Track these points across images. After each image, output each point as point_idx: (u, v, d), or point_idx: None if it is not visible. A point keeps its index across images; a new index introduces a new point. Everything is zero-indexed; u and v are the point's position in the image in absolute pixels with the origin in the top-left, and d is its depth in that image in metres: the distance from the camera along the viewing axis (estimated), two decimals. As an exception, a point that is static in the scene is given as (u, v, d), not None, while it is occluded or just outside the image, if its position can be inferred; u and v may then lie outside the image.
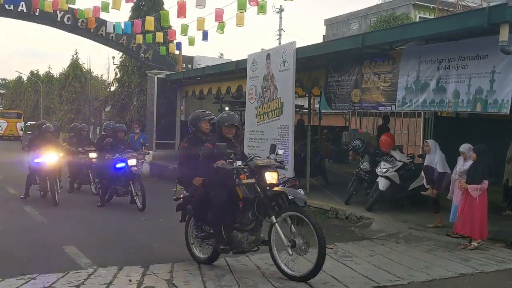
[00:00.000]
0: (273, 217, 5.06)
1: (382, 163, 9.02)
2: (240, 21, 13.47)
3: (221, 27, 14.58)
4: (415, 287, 4.96)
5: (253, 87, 11.08)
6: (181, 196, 5.94)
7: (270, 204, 5.17)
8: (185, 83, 16.75)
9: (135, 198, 9.58)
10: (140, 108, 21.30)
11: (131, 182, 9.66)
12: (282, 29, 39.12)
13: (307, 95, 13.25)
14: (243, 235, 5.27)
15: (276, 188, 5.23)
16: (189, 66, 25.59)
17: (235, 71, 12.53)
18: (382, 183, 8.80)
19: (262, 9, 12.86)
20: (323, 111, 13.79)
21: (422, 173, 8.19)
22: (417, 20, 24.87)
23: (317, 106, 15.18)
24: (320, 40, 29.42)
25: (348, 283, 4.97)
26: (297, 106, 14.34)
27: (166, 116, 17.19)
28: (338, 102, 9.67)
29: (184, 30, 15.79)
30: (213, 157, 5.28)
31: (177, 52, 19.31)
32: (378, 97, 8.59)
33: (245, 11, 13.18)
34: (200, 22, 14.73)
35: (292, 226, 5.04)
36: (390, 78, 8.34)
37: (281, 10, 38.58)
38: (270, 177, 5.26)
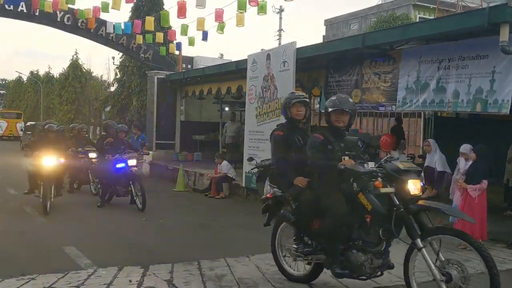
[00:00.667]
0: (419, 240, 3.97)
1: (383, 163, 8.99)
2: (240, 22, 13.45)
3: (221, 28, 14.57)
4: (415, 287, 4.93)
5: (253, 88, 11.08)
6: (269, 195, 5.11)
7: (414, 222, 4.07)
8: (185, 84, 16.75)
9: (135, 198, 9.56)
10: (140, 109, 21.30)
11: (131, 183, 9.64)
12: (282, 30, 39.12)
13: (307, 95, 13.23)
14: (366, 257, 4.17)
15: (421, 202, 4.08)
16: (189, 66, 25.62)
17: (235, 71, 12.53)
18: (382, 183, 8.76)
19: (262, 9, 12.85)
20: (324, 111, 13.76)
21: (422, 174, 8.18)
22: (417, 20, 24.88)
23: (317, 106, 15.16)
24: (320, 41, 29.44)
25: (349, 284, 4.95)
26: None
27: (166, 116, 17.18)
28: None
29: (184, 30, 15.78)
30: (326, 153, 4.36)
31: (177, 52, 19.31)
32: (379, 97, 8.59)
33: (245, 11, 13.17)
34: (200, 22, 14.72)
35: (439, 253, 4.00)
36: (391, 78, 8.34)
37: (281, 10, 38.58)
38: (414, 186, 4.08)
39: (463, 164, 7.05)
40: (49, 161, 8.90)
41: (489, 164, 6.54)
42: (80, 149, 11.45)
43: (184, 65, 21.91)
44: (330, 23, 35.56)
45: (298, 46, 9.69)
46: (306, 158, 4.55)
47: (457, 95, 7.11)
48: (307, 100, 4.92)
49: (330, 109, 4.46)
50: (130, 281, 5.04)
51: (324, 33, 36.08)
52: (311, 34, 79.73)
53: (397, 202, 4.05)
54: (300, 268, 4.95)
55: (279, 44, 31.91)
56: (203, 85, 15.29)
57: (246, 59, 11.41)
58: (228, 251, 6.38)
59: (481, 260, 3.77)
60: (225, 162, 11.97)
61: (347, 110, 4.46)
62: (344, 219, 4.21)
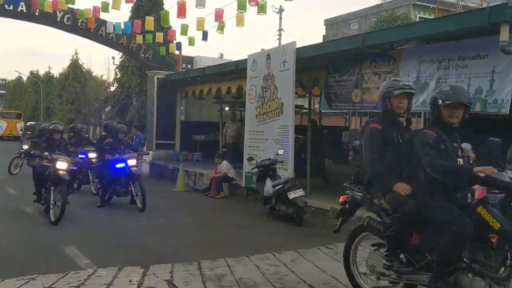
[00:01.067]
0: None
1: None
2: (240, 21, 13.46)
3: (221, 27, 14.58)
4: (415, 287, 4.93)
5: (253, 87, 11.08)
6: (344, 197, 4.52)
7: None
8: (185, 83, 16.75)
9: (135, 198, 9.55)
10: (140, 108, 21.32)
11: (131, 183, 9.64)
12: (282, 29, 39.12)
13: (307, 95, 13.22)
14: (485, 283, 3.51)
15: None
16: (189, 66, 25.58)
17: (235, 71, 12.53)
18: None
19: (262, 9, 12.85)
20: (324, 111, 13.78)
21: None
22: (417, 20, 24.87)
23: (317, 106, 15.17)
24: (320, 40, 29.42)
25: (348, 283, 4.94)
26: (297, 106, 14.33)
27: (166, 116, 17.19)
28: (338, 102, 9.66)
29: (184, 30, 15.79)
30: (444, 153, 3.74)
31: (177, 52, 19.31)
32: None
33: (245, 11, 13.19)
34: (200, 22, 14.73)
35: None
36: (390, 78, 8.31)
37: (281, 10, 38.58)
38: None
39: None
40: (62, 165, 8.22)
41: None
42: (79, 148, 11.44)
43: (184, 65, 21.89)
44: (330, 23, 35.57)
45: (298, 46, 9.69)
46: (406, 159, 3.95)
47: (456, 95, 7.09)
48: (413, 91, 4.23)
49: (445, 102, 3.76)
50: (130, 281, 5.05)
51: (324, 33, 36.09)
52: (311, 34, 79.77)
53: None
54: None
55: (279, 44, 31.90)
56: (203, 85, 15.29)
57: (246, 59, 11.41)
58: (228, 251, 6.38)
59: None
60: (225, 162, 11.97)
61: (465, 102, 3.79)
62: (467, 238, 3.55)
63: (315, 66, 10.36)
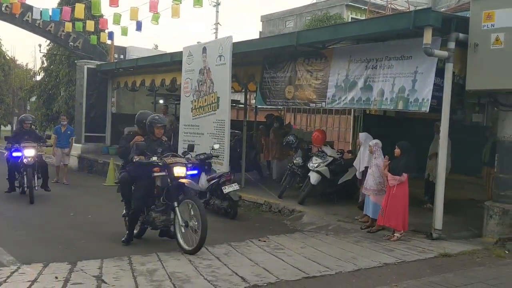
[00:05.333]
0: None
1: (314, 158, 9.28)
2: (175, 13, 13.25)
3: (155, 18, 14.24)
4: (342, 277, 5.17)
5: (188, 80, 10.98)
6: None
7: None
8: (117, 74, 16.26)
9: (25, 189, 9.60)
10: (68, 99, 20.38)
11: (25, 173, 9.57)
12: (218, 23, 39.01)
13: (243, 90, 13.31)
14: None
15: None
16: (122, 56, 24.84)
17: (170, 63, 12.34)
18: (313, 178, 9.06)
19: (198, 1, 12.73)
20: (259, 106, 13.94)
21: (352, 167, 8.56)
22: (350, 20, 25.72)
23: (253, 101, 15.29)
24: (257, 36, 29.63)
25: (280, 274, 5.09)
26: (233, 101, 14.40)
27: (97, 108, 16.60)
28: (272, 98, 9.81)
29: (117, 19, 15.25)
30: None
31: (109, 41, 18.65)
32: (310, 94, 8.81)
33: (181, 3, 12.99)
34: (134, 12, 14.31)
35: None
36: (322, 76, 8.57)
37: (217, 3, 38.43)
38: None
39: (370, 156, 7.43)
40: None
41: (410, 160, 6.91)
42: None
43: (116, 55, 21.25)
44: (266, 19, 35.88)
45: (235, 41, 9.72)
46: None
47: (382, 93, 7.44)
48: None
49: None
50: (56, 277, 4.86)
51: (261, 29, 36.36)
52: (248, 29, 80.00)
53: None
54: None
55: (216, 37, 31.79)
56: (136, 76, 14.93)
57: (181, 52, 11.28)
58: (160, 246, 6.32)
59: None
60: (158, 156, 11.76)
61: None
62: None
63: (251, 62, 10.45)
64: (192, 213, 6.02)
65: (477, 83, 6.69)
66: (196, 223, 5.90)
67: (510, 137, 6.89)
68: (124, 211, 6.83)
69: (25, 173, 9.56)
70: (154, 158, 6.23)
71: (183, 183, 6.20)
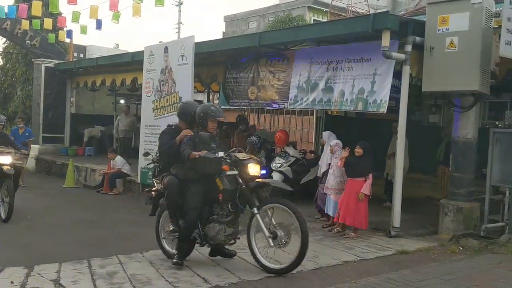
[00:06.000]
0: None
1: (277, 158, 9.36)
2: (136, 12, 13.07)
3: (116, 17, 14.01)
4: (304, 275, 5.23)
5: (150, 80, 10.84)
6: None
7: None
8: (76, 73, 15.86)
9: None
10: (25, 99, 19.74)
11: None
12: (181, 23, 38.71)
13: (206, 90, 13.26)
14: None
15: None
16: (81, 55, 24.27)
17: (131, 62, 12.14)
18: (276, 178, 9.13)
19: (159, 1, 12.61)
20: (222, 107, 13.87)
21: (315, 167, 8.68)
22: (312, 22, 26.04)
23: (216, 102, 15.24)
24: (220, 36, 29.58)
25: (242, 274, 5.10)
26: (196, 102, 14.28)
27: (55, 108, 16.13)
28: (235, 99, 9.82)
29: (76, 17, 14.89)
30: None
31: (67, 40, 18.18)
32: (273, 95, 8.88)
33: (142, 1, 12.84)
34: (93, 10, 14.01)
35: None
36: (284, 77, 8.66)
37: (180, 3, 38.12)
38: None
39: (331, 156, 7.55)
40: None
41: (372, 159, 7.08)
42: None
43: (75, 54, 20.72)
44: (230, 20, 35.86)
45: (197, 41, 9.67)
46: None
47: (342, 94, 7.59)
48: None
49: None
50: (12, 282, 4.71)
51: (224, 30, 36.32)
52: (211, 30, 79.62)
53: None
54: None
55: (178, 37, 31.51)
56: (96, 76, 14.61)
57: (142, 51, 11.13)
58: (121, 248, 6.23)
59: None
60: (119, 157, 11.59)
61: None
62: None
63: (214, 62, 10.43)
64: (274, 222, 5.06)
65: (432, 85, 6.90)
66: (282, 233, 4.99)
67: (463, 138, 7.15)
68: (171, 226, 5.49)
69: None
70: (221, 154, 5.23)
71: (261, 184, 5.21)
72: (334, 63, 7.78)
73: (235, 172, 5.14)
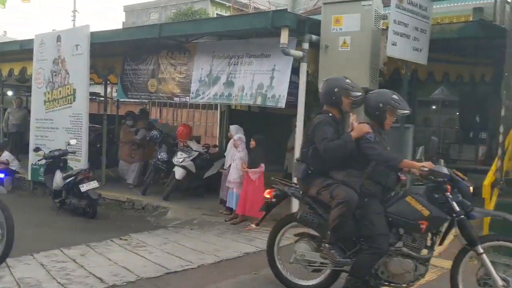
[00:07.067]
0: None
1: (179, 153, 9.25)
2: (26, -3, 12.14)
3: (2, 2, 12.91)
4: (204, 269, 5.24)
5: (41, 71, 10.15)
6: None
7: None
8: (-45, 62, 14.31)
9: None
10: None
11: None
12: (76, 11, 36.65)
13: (103, 82, 12.69)
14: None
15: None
16: (-38, 42, 21.91)
17: (19, 51, 11.21)
18: (178, 173, 9.03)
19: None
20: (121, 100, 13.43)
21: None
22: (214, 16, 26.01)
23: (115, 94, 14.68)
24: (120, 27, 28.44)
25: (140, 272, 4.98)
26: (92, 94, 13.65)
27: None
28: (135, 91, 9.52)
29: (-46, -1, 13.48)
30: None
31: None
32: (174, 88, 8.74)
33: (32, -15, 11.94)
34: (-24, -7, 12.78)
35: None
36: (185, 70, 8.56)
37: (76, -11, 36.06)
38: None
39: (234, 151, 7.70)
40: None
41: (265, 151, 7.37)
42: None
43: (-45, 40, 18.66)
44: (130, 10, 34.61)
45: (96, 30, 9.24)
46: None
47: (242, 89, 7.67)
48: None
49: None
50: None
51: (124, 20, 34.97)
52: (111, 20, 76.20)
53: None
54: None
55: (74, 26, 29.78)
56: (-20, 65, 13.31)
57: (33, 39, 10.37)
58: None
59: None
60: (6, 153, 10.70)
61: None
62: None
63: (112, 53, 10.01)
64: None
65: (327, 81, 7.21)
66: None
67: (353, 132, 7.57)
68: (336, 257, 4.09)
69: None
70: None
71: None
72: (236, 57, 7.84)
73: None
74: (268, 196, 4.58)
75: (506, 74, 6.73)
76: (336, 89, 4.20)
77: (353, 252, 4.08)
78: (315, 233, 4.35)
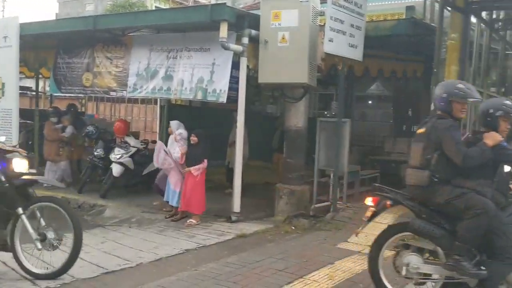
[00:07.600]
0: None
1: (116, 149, 9.01)
2: None
3: None
4: (143, 268, 5.13)
5: (-36, 64, 9.50)
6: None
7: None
8: None
9: None
10: None
11: None
12: (5, 0, 34.61)
13: (35, 76, 12.08)
14: None
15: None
16: None
17: None
18: (116, 169, 8.80)
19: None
20: (55, 94, 12.85)
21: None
22: (153, 9, 25.48)
23: (48, 89, 14.04)
24: (54, 18, 27.20)
25: (76, 273, 4.78)
26: (24, 88, 13.00)
27: None
28: (68, 86, 9.15)
29: None
30: None
31: None
32: (110, 82, 8.48)
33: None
34: None
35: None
36: (122, 63, 8.32)
37: (4, -22, 34.07)
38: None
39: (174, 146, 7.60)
40: None
41: (208, 146, 7.27)
42: None
43: None
44: (63, 1, 33.22)
45: (26, 21, 8.80)
46: None
47: (182, 83, 7.56)
48: None
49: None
50: None
51: (57, 11, 33.50)
52: (44, 11, 72.63)
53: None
54: None
55: (2, 17, 28.17)
56: None
57: (-46, 30, 9.67)
58: None
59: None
60: None
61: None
62: None
63: (44, 46, 9.57)
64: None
65: (266, 77, 7.24)
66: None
67: (294, 127, 7.70)
68: (470, 269, 3.72)
69: None
70: None
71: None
72: (174, 51, 7.72)
73: None
74: (372, 204, 4.19)
75: (435, 70, 7.10)
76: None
77: (474, 264, 3.77)
78: (422, 245, 4.05)
